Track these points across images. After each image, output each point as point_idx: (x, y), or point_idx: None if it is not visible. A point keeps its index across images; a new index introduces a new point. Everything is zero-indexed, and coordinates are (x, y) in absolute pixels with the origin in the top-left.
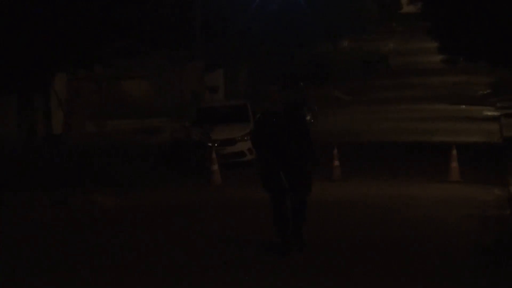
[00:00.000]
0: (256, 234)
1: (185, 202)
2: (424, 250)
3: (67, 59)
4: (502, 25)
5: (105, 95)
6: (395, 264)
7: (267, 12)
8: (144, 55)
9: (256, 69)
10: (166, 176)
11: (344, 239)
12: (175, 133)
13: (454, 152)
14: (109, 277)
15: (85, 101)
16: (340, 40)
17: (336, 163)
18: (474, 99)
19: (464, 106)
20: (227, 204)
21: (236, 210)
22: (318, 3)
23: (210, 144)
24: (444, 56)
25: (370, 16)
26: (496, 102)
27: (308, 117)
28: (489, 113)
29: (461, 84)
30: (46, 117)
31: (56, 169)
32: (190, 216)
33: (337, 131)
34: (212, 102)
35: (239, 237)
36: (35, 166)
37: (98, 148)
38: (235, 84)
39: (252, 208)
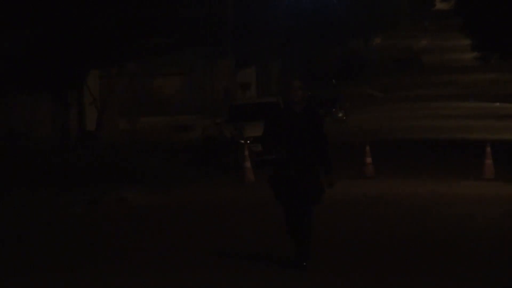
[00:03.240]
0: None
1: (218, 199)
2: (458, 248)
3: (101, 57)
4: None
5: (138, 92)
6: (426, 262)
7: (300, 9)
8: (176, 52)
9: (288, 65)
10: (198, 173)
11: (376, 237)
12: (207, 130)
13: (489, 149)
14: (142, 273)
15: (117, 98)
16: (372, 38)
17: (369, 160)
18: (508, 96)
19: (498, 104)
20: (260, 202)
21: (268, 208)
22: (350, 1)
23: (242, 142)
24: (477, 54)
25: (402, 13)
26: None
27: (340, 114)
28: None
29: (495, 82)
30: (79, 114)
31: (89, 166)
32: (222, 213)
33: (370, 128)
34: (244, 99)
35: (269, 235)
36: (68, 164)
37: (131, 145)
38: (267, 81)
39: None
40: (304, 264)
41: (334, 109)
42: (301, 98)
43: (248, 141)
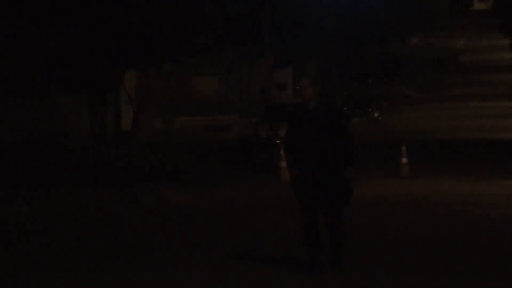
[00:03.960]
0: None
1: (254, 199)
2: (496, 249)
3: (138, 57)
4: None
5: (174, 92)
6: (464, 263)
7: (337, 9)
8: (214, 52)
9: (325, 66)
10: (235, 173)
11: (412, 237)
12: (244, 130)
13: None
14: (176, 273)
15: (154, 98)
16: (410, 37)
17: (404, 160)
18: None
19: None
20: (296, 201)
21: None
22: (388, 1)
23: (278, 141)
24: None
25: (440, 13)
26: None
27: (376, 114)
28: None
29: None
30: (116, 114)
31: (127, 166)
32: (260, 213)
33: (406, 128)
34: (281, 99)
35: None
36: (106, 163)
37: (167, 145)
38: None
39: None
40: (342, 265)
41: (370, 109)
42: (312, 96)
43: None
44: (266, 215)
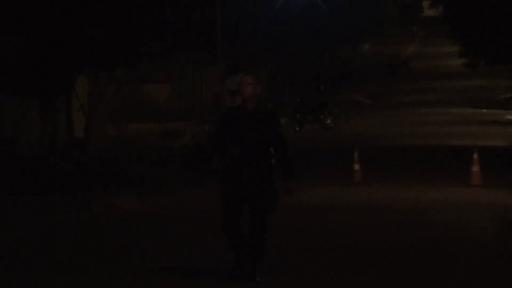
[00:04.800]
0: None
1: (206, 206)
2: (445, 254)
3: (89, 62)
4: None
5: (127, 98)
6: (414, 269)
7: (289, 15)
8: (166, 58)
9: (278, 72)
10: (187, 179)
11: (362, 243)
12: (196, 136)
13: (476, 156)
14: (124, 281)
15: (106, 104)
16: (361, 44)
17: (357, 166)
18: (496, 103)
19: (485, 110)
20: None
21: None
22: (339, 6)
23: None
24: (465, 60)
25: (391, 19)
26: None
27: (329, 121)
28: (511, 117)
29: (483, 88)
30: (67, 120)
31: (78, 172)
32: (212, 220)
33: (358, 134)
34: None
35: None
36: (57, 170)
37: (120, 151)
38: None
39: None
40: (258, 279)
41: (322, 116)
42: (253, 95)
43: None
44: (217, 221)
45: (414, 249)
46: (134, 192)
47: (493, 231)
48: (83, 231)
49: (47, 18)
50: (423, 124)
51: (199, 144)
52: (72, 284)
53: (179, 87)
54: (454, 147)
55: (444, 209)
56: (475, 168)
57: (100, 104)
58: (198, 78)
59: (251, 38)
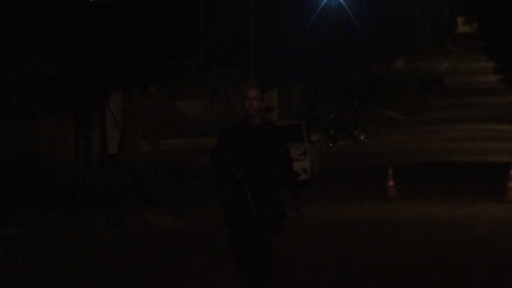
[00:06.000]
0: (318, 255)
1: None
2: (480, 270)
3: (123, 79)
4: None
5: (160, 115)
6: (450, 285)
7: (321, 32)
8: (199, 75)
9: (311, 89)
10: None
11: (397, 259)
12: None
13: (511, 172)
14: None
15: (140, 120)
16: (394, 60)
17: (391, 183)
18: None
19: None
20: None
21: (291, 230)
22: (372, 23)
23: None
24: (500, 76)
25: (425, 36)
26: None
27: (362, 137)
28: None
29: None
30: (102, 136)
31: (112, 189)
32: None
33: (392, 150)
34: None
35: (291, 259)
36: (91, 186)
37: (153, 167)
38: (289, 104)
39: (303, 231)
40: None
41: (356, 132)
42: (258, 110)
43: None
44: None
45: (444, 265)
46: (167, 208)
47: None
48: (116, 246)
49: (82, 35)
50: (457, 140)
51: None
52: None
53: (212, 104)
54: (488, 164)
55: (480, 225)
56: (511, 185)
57: (134, 120)
58: (231, 94)
59: (284, 55)
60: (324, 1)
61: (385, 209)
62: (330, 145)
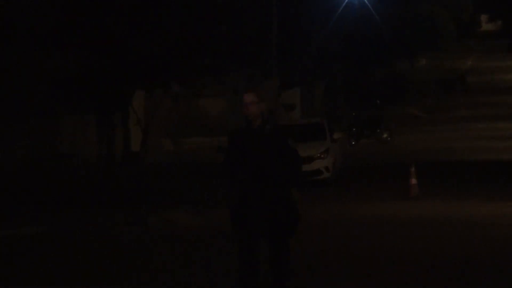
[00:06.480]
0: (341, 253)
1: None
2: (503, 271)
3: (146, 78)
4: None
5: (182, 113)
6: (472, 284)
7: (344, 30)
8: (221, 73)
9: (332, 87)
10: None
11: (419, 257)
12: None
13: None
14: None
15: (162, 119)
16: (417, 58)
17: (414, 181)
18: None
19: None
20: (304, 222)
21: (314, 229)
22: (395, 21)
23: None
24: None
25: (448, 34)
26: None
27: (385, 135)
28: None
29: None
30: (124, 135)
31: (135, 187)
32: None
33: (414, 149)
34: (289, 120)
35: (314, 264)
36: (114, 185)
37: (175, 165)
38: (311, 102)
39: (326, 228)
40: None
41: (378, 130)
42: (257, 114)
43: None
44: None
45: (466, 265)
46: (190, 206)
47: None
48: (138, 245)
49: (105, 35)
50: (480, 138)
51: None
52: None
53: (234, 102)
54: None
55: (502, 224)
56: None
57: (156, 118)
58: None
59: (306, 53)
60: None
61: (408, 207)
62: (353, 143)
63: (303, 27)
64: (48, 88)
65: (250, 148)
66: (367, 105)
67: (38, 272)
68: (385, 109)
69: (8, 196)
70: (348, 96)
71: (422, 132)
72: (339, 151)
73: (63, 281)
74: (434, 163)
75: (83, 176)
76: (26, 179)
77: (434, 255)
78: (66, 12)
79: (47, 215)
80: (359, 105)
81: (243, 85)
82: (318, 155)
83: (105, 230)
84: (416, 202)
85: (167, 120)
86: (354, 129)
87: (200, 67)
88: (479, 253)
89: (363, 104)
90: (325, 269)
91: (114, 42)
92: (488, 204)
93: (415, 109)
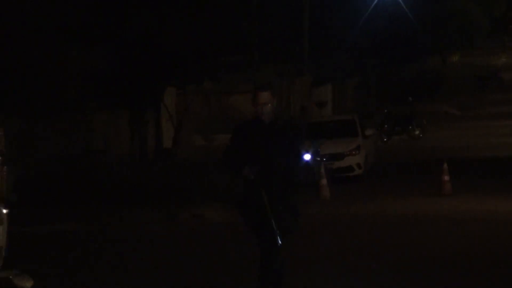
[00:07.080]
0: (371, 250)
1: None
2: None
3: (178, 74)
4: None
5: (213, 109)
6: (498, 281)
7: (376, 26)
8: (253, 70)
9: (364, 83)
10: None
11: (452, 254)
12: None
13: None
14: None
15: (194, 115)
16: (450, 55)
17: (446, 177)
18: None
19: None
20: (335, 218)
21: (345, 225)
22: (427, 17)
23: (318, 159)
24: None
25: (481, 30)
26: None
27: (417, 132)
28: None
29: None
30: (156, 131)
31: (167, 184)
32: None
33: (447, 146)
34: (321, 116)
35: (351, 249)
36: (146, 181)
37: (207, 162)
38: (343, 99)
39: (359, 224)
40: None
41: (410, 127)
42: (270, 112)
43: (324, 159)
44: (304, 232)
45: (503, 262)
46: (221, 203)
47: None
48: (170, 241)
49: (137, 32)
50: None
51: None
52: None
53: None
54: None
55: None
56: None
57: (188, 115)
58: (285, 90)
59: (338, 50)
60: None
61: (440, 204)
62: (385, 140)
63: (335, 23)
64: (80, 84)
65: (259, 141)
66: (399, 102)
67: (68, 269)
68: (417, 106)
69: (44, 193)
70: (380, 93)
71: (455, 129)
72: (371, 147)
73: (93, 278)
74: (467, 159)
75: (115, 172)
76: (60, 175)
77: (468, 252)
78: (98, 8)
79: (79, 212)
80: (391, 101)
81: (275, 81)
82: (350, 151)
83: (137, 226)
84: (449, 199)
85: (199, 116)
86: (385, 125)
87: (232, 63)
88: None
89: (395, 100)
90: (358, 264)
91: (146, 38)
92: None
93: (448, 106)
